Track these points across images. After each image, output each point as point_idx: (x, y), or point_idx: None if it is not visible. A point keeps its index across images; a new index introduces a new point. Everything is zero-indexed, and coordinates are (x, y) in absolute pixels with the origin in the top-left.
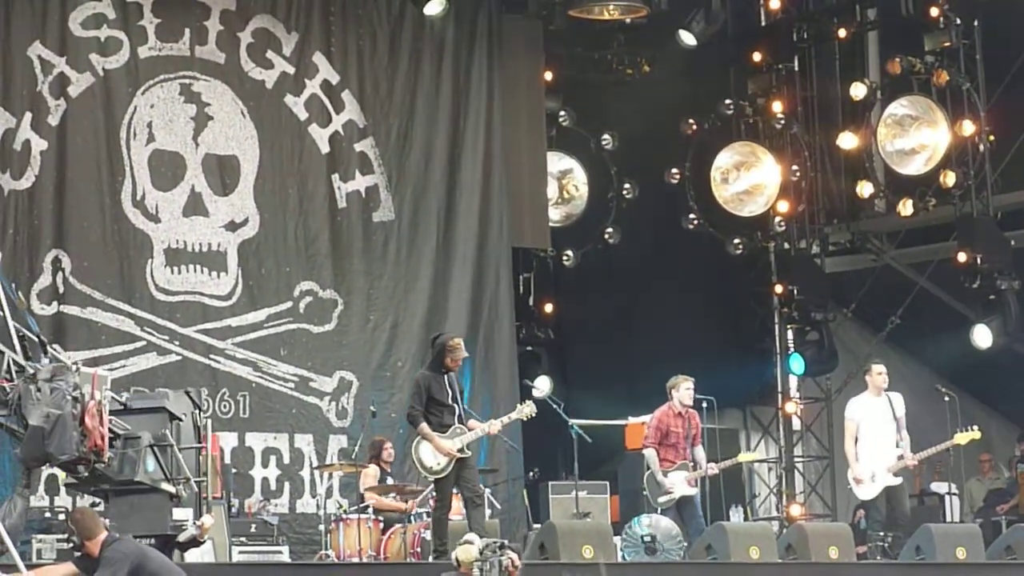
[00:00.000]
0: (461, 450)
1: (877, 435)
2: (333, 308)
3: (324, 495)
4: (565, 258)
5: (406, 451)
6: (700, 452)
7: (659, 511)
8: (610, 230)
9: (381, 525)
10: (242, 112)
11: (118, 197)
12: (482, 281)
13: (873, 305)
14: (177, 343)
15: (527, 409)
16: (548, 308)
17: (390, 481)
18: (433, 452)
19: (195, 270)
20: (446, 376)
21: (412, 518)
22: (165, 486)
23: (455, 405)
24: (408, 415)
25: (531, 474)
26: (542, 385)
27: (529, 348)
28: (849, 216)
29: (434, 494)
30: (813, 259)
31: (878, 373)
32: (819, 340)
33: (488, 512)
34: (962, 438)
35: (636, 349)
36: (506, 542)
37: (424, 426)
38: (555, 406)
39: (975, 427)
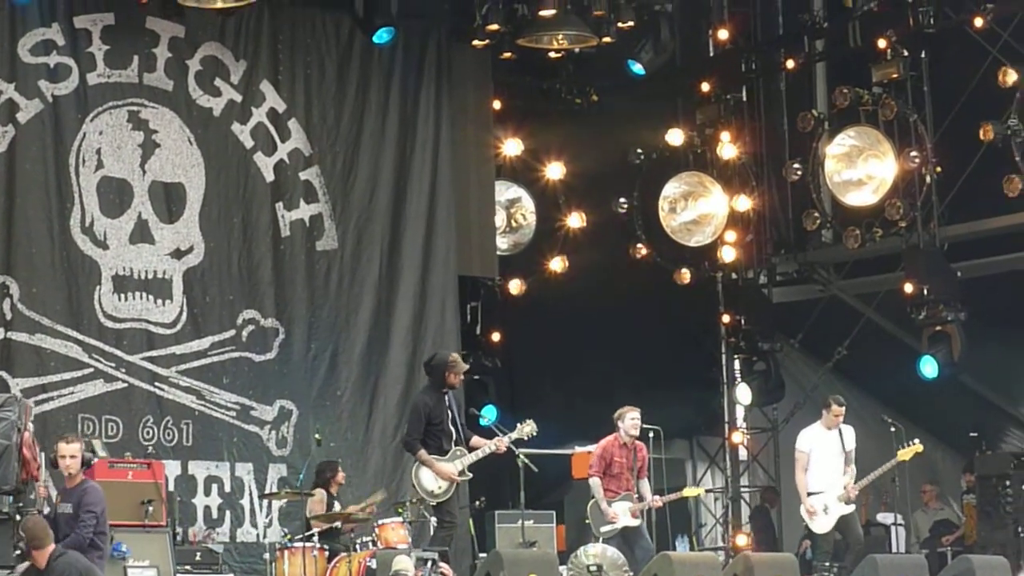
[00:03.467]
0: (462, 472)
1: (826, 466)
2: (275, 337)
3: (266, 524)
4: (513, 287)
5: (347, 481)
6: (645, 485)
7: (601, 540)
8: (558, 259)
9: (327, 554)
10: (189, 140)
11: (67, 223)
12: (427, 310)
13: (820, 335)
14: (123, 370)
15: (527, 428)
16: (495, 337)
17: (337, 506)
18: (434, 477)
19: (141, 297)
20: (446, 396)
21: (358, 547)
22: None
23: (453, 428)
24: (405, 443)
25: (477, 503)
26: (489, 414)
27: (476, 377)
28: (796, 246)
29: (433, 518)
30: (760, 289)
31: (835, 415)
32: (766, 370)
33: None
34: (905, 454)
35: (583, 378)
36: (435, 557)
37: (422, 452)
38: (502, 435)
39: (916, 440)
